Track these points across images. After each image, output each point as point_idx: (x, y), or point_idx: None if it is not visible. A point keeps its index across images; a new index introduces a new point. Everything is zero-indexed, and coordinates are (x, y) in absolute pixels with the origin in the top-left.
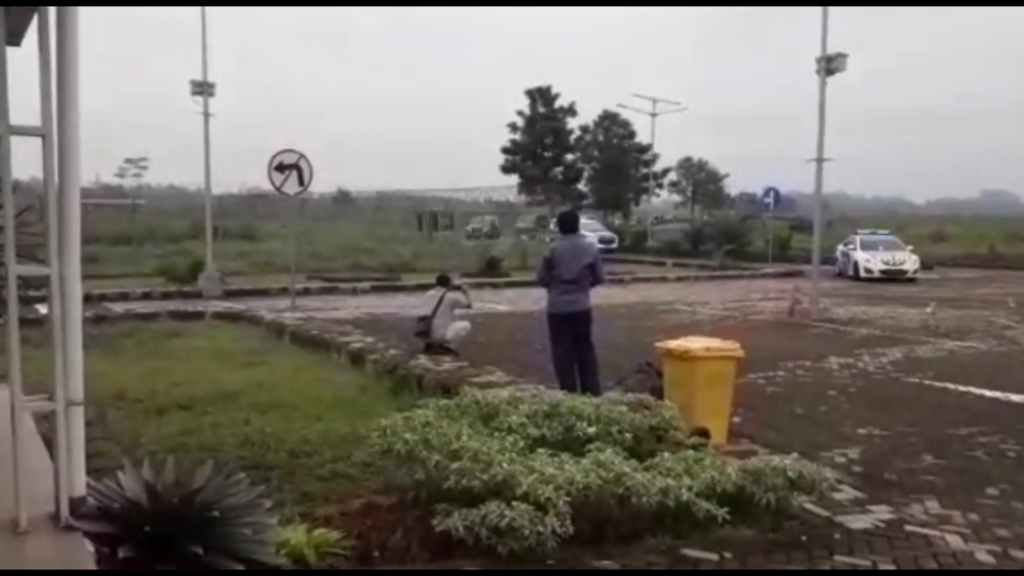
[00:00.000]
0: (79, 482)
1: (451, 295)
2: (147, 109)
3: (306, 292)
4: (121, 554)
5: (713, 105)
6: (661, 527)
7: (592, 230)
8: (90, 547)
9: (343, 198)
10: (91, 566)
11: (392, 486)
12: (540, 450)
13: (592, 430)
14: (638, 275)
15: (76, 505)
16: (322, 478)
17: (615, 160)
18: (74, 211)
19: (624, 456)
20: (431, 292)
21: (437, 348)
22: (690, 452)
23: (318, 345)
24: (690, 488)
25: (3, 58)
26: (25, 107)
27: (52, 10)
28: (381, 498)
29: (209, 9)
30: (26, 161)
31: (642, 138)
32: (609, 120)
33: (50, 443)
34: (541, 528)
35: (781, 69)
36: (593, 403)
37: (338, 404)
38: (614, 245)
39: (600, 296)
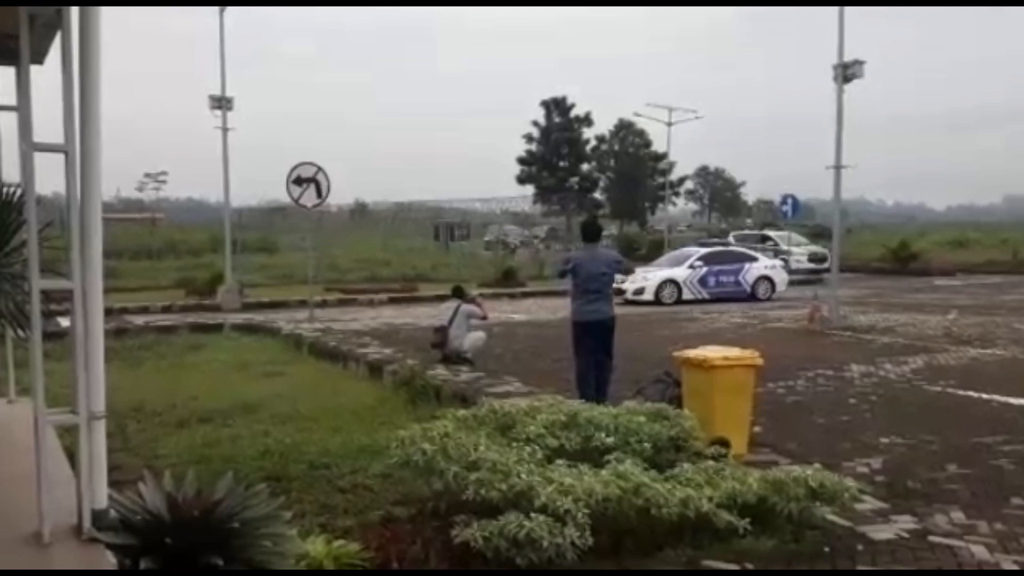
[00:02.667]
0: (101, 494)
1: (466, 306)
2: (166, 124)
3: (324, 304)
4: (142, 566)
5: (731, 113)
6: (681, 538)
7: (796, 243)
8: (112, 559)
9: (360, 210)
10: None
11: (411, 497)
12: (558, 461)
13: (611, 440)
14: None
15: (98, 517)
16: (341, 489)
17: (631, 169)
18: (96, 226)
19: (643, 467)
20: (446, 304)
21: (454, 359)
22: (710, 462)
23: (336, 357)
24: (710, 499)
25: (27, 77)
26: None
27: (75, 27)
28: (400, 509)
29: (228, 23)
30: (47, 176)
31: (658, 147)
32: (625, 129)
33: (72, 456)
34: (560, 539)
35: (800, 75)
36: (611, 413)
37: (356, 415)
38: (826, 265)
39: (617, 304)
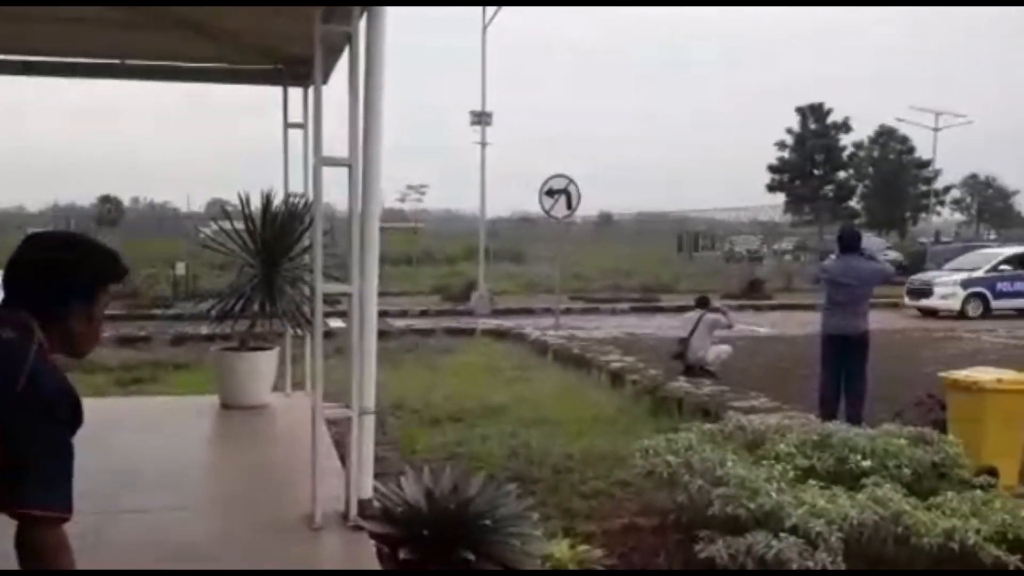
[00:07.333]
0: (367, 485)
1: (710, 316)
2: (425, 137)
3: (568, 312)
4: (401, 555)
5: (1006, 117)
6: (942, 571)
7: None
8: (373, 547)
9: (604, 221)
10: (375, 564)
11: (652, 508)
12: (810, 481)
13: (867, 464)
14: None
15: (363, 506)
16: (584, 495)
17: (891, 177)
18: (374, 235)
19: (903, 493)
20: (689, 314)
21: (697, 371)
22: (977, 492)
23: (579, 363)
24: (978, 531)
25: (320, 97)
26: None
27: (362, 48)
28: (641, 519)
29: (489, 42)
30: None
31: (922, 153)
32: (886, 135)
33: (339, 446)
34: (811, 563)
35: None
36: (868, 435)
37: (598, 422)
38: None
39: (872, 320)
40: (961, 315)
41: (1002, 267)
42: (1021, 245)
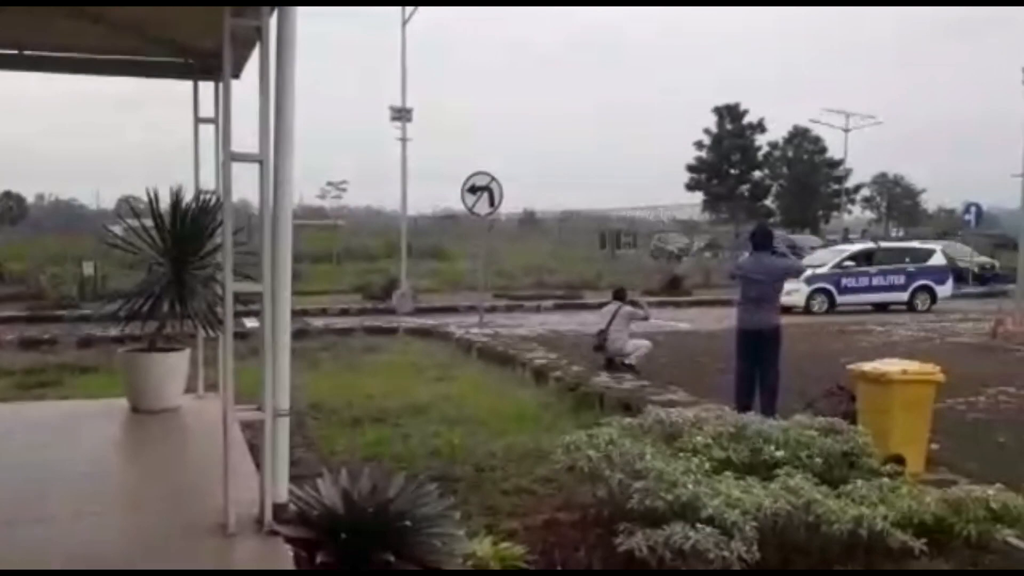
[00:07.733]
0: (282, 489)
1: (626, 308)
2: (344, 133)
3: (493, 309)
4: (318, 559)
5: (912, 118)
6: (852, 557)
7: None
8: (290, 551)
9: (528, 218)
10: (291, 569)
11: (574, 503)
12: (726, 473)
13: (780, 454)
14: None
15: (279, 511)
16: (506, 492)
17: (805, 176)
18: (286, 232)
19: (815, 482)
20: (607, 307)
21: (618, 365)
22: (885, 480)
23: (504, 361)
24: (885, 517)
25: (228, 91)
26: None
27: (272, 43)
28: (563, 514)
29: (410, 36)
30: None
31: (834, 153)
32: (800, 136)
33: (254, 449)
34: (727, 552)
35: (995, 76)
36: (781, 426)
37: (522, 419)
38: None
39: (785, 315)
40: (807, 311)
41: (846, 263)
42: (866, 242)
